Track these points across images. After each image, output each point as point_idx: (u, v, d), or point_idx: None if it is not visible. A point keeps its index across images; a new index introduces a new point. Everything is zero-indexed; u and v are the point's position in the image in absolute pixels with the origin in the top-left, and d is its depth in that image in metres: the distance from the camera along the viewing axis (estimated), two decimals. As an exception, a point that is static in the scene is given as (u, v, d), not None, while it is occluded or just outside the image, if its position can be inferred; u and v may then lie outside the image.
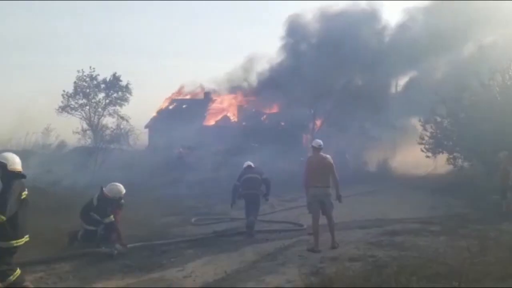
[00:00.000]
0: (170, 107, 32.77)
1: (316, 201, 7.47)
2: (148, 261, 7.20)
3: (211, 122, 29.96)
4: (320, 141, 7.82)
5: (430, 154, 17.66)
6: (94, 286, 5.97)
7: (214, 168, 18.97)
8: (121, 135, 24.99)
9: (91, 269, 6.79)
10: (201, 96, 33.29)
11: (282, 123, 26.00)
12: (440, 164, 19.28)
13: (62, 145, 27.01)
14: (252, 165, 9.88)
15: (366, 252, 6.93)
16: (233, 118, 30.22)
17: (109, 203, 8.06)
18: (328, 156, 7.68)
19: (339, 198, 7.59)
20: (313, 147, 7.86)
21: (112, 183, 8.45)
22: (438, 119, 17.00)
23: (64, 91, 27.26)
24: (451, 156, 16.77)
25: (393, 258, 6.31)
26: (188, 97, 34.23)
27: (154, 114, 32.36)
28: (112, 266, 6.92)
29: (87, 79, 27.37)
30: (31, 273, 6.53)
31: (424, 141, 17.53)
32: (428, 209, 11.66)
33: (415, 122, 19.41)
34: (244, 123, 27.79)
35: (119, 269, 6.77)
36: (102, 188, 8.28)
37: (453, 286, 4.63)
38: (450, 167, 17.08)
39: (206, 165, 19.33)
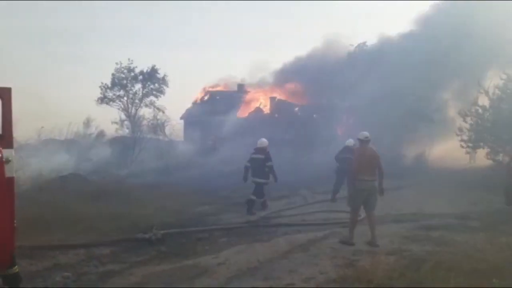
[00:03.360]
0: (205, 98, 33.16)
1: (361, 196, 7.25)
2: (183, 248, 7.41)
3: (244, 113, 30.09)
4: (367, 133, 7.55)
5: (469, 148, 16.99)
6: (131, 270, 6.20)
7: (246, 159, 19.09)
8: (157, 125, 25.59)
9: (130, 254, 7.06)
10: (235, 88, 33.48)
11: (315, 115, 25.78)
12: (479, 158, 18.57)
13: (101, 135, 27.92)
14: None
15: (401, 246, 6.84)
16: (265, 109, 30.21)
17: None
18: (375, 148, 7.50)
19: (381, 191, 7.37)
20: (359, 140, 7.61)
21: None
22: (480, 110, 16.31)
23: (102, 83, 28.18)
24: (491, 150, 16.08)
25: (429, 253, 6.20)
26: (221, 88, 34.50)
27: (189, 105, 32.91)
28: (149, 252, 7.18)
29: (125, 70, 28.13)
30: (74, 256, 6.89)
31: (462, 134, 16.86)
32: (466, 205, 11.29)
33: (454, 114, 18.70)
34: (276, 115, 27.76)
35: (156, 255, 7.01)
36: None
37: (493, 283, 4.50)
38: (490, 161, 16.40)
39: (239, 156, 19.48)
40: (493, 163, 15.94)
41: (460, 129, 16.96)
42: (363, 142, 7.51)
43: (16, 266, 4.86)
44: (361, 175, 7.24)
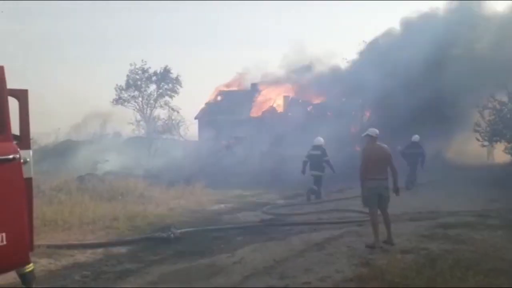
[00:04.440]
0: (218, 98, 33.29)
1: (374, 194, 7.03)
2: (199, 247, 7.45)
3: (257, 113, 30.09)
4: (376, 130, 7.34)
5: (486, 143, 16.65)
6: (148, 269, 6.27)
7: (260, 158, 19.13)
8: (172, 125, 25.81)
9: (146, 254, 7.13)
10: (248, 87, 33.50)
11: (329, 113, 25.59)
12: (497, 154, 18.19)
13: (117, 135, 28.31)
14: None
15: (418, 244, 6.74)
16: (279, 108, 30.14)
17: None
18: (385, 145, 7.23)
19: (396, 191, 7.12)
20: (369, 136, 7.32)
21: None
22: (498, 106, 15.97)
23: (116, 84, 28.58)
24: (509, 146, 15.73)
25: (447, 252, 6.09)
26: (235, 88, 34.59)
27: (203, 105, 33.07)
28: (165, 251, 7.24)
29: (139, 71, 28.46)
30: (92, 254, 7.00)
31: (480, 129, 16.52)
32: (485, 202, 11.06)
33: (472, 110, 18.31)
34: (289, 114, 27.67)
35: (172, 254, 7.07)
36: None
37: (513, 282, 4.42)
38: (508, 157, 16.05)
39: (253, 156, 19.52)
40: (512, 158, 15.63)
41: (478, 124, 16.63)
42: (372, 138, 7.26)
43: (31, 264, 4.98)
44: (370, 174, 7.03)
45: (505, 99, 15.77)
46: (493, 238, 6.92)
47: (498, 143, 16.54)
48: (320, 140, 13.23)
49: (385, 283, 4.73)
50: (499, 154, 17.73)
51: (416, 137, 14.45)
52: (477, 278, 4.71)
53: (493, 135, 16.18)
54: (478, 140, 16.66)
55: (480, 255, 5.77)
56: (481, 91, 17.21)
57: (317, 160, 12.85)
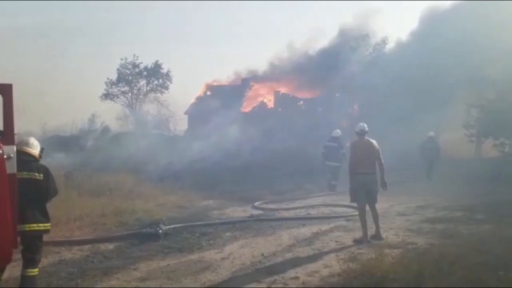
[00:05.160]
0: (209, 93, 33.11)
1: (362, 189, 7.08)
2: (188, 243, 7.41)
3: (248, 108, 30.00)
4: (364, 125, 7.36)
5: (473, 138, 16.87)
6: (136, 265, 6.21)
7: (250, 154, 19.04)
8: (161, 121, 25.64)
9: (134, 250, 7.07)
10: (239, 82, 33.36)
11: (320, 109, 25.63)
12: (485, 149, 18.42)
13: (106, 130, 28.03)
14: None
15: (406, 239, 6.80)
16: (269, 104, 30.09)
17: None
18: (373, 140, 7.25)
19: (384, 185, 7.14)
20: (356, 132, 7.42)
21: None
22: (484, 102, 16.15)
23: (108, 78, 28.28)
24: (497, 142, 15.93)
25: (434, 246, 6.16)
26: (225, 83, 34.43)
27: (193, 100, 32.86)
28: (154, 247, 7.18)
29: (130, 66, 28.21)
30: (78, 251, 6.92)
31: (468, 126, 16.73)
32: (473, 197, 11.18)
33: (460, 106, 18.48)
34: (280, 109, 27.66)
35: (161, 250, 7.01)
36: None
37: (499, 276, 4.45)
38: (495, 153, 16.27)
39: (243, 151, 19.43)
40: (500, 155, 15.82)
41: (467, 122, 16.83)
42: (360, 134, 7.32)
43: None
44: (358, 168, 7.09)
45: (492, 96, 15.96)
46: (480, 233, 6.99)
47: (486, 139, 16.74)
48: (338, 132, 13.84)
49: (372, 278, 4.75)
50: (487, 149, 17.93)
51: (432, 133, 15.60)
52: (464, 272, 4.74)
53: (481, 132, 16.39)
54: (466, 135, 16.87)
55: (467, 249, 5.82)
56: (470, 89, 17.42)
57: (334, 152, 13.36)
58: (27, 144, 5.07)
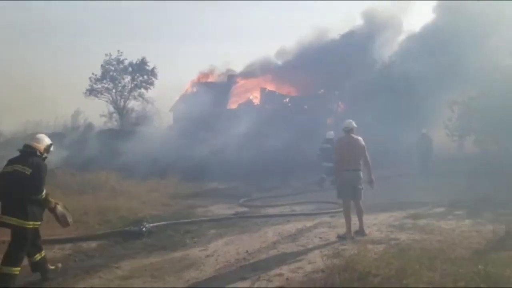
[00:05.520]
0: (194, 89, 32.90)
1: (348, 186, 7.09)
2: (171, 241, 7.36)
3: (234, 105, 29.91)
4: (351, 121, 7.36)
5: (455, 137, 17.14)
6: (119, 264, 6.15)
7: (236, 151, 19.00)
8: (146, 117, 25.39)
9: (117, 248, 7.00)
10: (225, 79, 33.23)
11: (306, 106, 25.70)
12: (466, 146, 18.73)
13: (89, 127, 27.67)
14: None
15: (388, 235, 6.87)
16: (256, 101, 30.06)
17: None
18: (359, 137, 7.26)
19: (371, 182, 7.16)
20: (342, 129, 7.41)
21: None
22: (467, 100, 16.40)
23: (93, 73, 27.83)
24: (479, 139, 16.20)
25: (416, 241, 6.23)
26: (211, 80, 34.26)
27: (178, 97, 32.63)
28: (137, 245, 7.13)
29: (114, 62, 27.81)
30: (59, 250, 6.81)
31: (450, 123, 16.97)
32: (454, 193, 11.35)
33: (443, 103, 18.74)
34: (266, 106, 27.64)
35: (144, 248, 6.96)
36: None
37: (479, 270, 4.53)
38: (477, 149, 16.57)
39: (228, 148, 19.39)
40: (481, 151, 16.11)
41: (449, 119, 17.05)
42: (346, 131, 7.33)
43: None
44: (343, 165, 7.11)
45: (473, 93, 16.20)
46: (461, 227, 7.11)
47: (467, 136, 17.00)
48: (331, 134, 14.24)
49: (355, 274, 4.78)
50: (468, 146, 18.22)
51: (424, 130, 16.22)
52: (444, 266, 4.82)
53: (462, 129, 16.65)
54: (447, 135, 17.14)
55: (448, 244, 5.92)
56: (452, 87, 17.67)
57: (329, 153, 13.38)
58: (33, 138, 5.37)
